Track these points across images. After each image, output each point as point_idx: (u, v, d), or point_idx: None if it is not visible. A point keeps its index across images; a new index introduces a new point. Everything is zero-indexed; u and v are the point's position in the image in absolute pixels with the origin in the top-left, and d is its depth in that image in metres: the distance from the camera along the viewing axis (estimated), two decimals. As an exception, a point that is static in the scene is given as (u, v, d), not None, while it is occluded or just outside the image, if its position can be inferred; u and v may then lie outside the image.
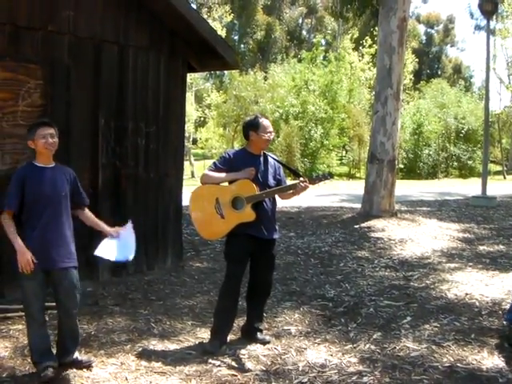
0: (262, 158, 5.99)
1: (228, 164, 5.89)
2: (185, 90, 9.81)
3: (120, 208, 8.60)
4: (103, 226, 5.55)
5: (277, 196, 6.04)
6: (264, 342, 6.07)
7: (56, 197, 5.03)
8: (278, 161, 6.22)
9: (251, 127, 5.91)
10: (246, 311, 6.30)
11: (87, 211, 5.51)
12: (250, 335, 6.17)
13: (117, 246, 5.49)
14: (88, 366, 5.26)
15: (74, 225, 5.29)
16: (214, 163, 5.99)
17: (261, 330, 6.23)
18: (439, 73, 73.87)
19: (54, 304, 5.24)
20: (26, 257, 4.84)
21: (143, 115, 8.92)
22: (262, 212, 5.81)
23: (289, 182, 6.21)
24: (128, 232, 5.64)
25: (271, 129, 5.97)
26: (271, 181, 5.95)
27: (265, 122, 5.92)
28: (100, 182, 8.35)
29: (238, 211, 5.75)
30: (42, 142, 4.98)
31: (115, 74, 8.56)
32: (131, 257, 5.60)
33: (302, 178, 5.86)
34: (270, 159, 6.07)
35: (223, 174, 5.85)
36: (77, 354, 5.30)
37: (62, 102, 7.90)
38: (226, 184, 5.93)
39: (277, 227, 6.14)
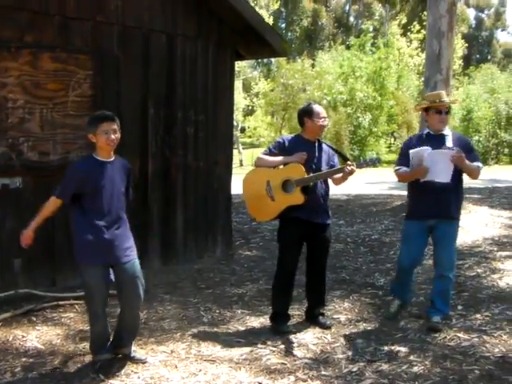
0: (316, 145, 6.07)
1: (282, 149, 6.01)
2: (233, 78, 9.80)
3: (170, 197, 8.67)
4: None
5: (330, 182, 6.10)
6: (325, 326, 6.15)
7: (116, 194, 5.00)
8: (333, 148, 6.29)
9: (305, 114, 6.01)
10: (306, 296, 6.44)
11: None
12: (312, 319, 6.28)
13: None
14: (141, 363, 5.25)
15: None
16: (268, 147, 6.16)
17: (323, 314, 6.34)
18: (489, 58, 72.59)
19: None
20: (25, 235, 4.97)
21: (192, 104, 8.94)
22: (313, 196, 5.89)
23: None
24: None
25: (325, 114, 6.06)
26: (324, 167, 6.00)
27: (318, 108, 6.03)
28: (150, 171, 8.42)
29: (287, 194, 5.86)
30: (104, 138, 4.87)
31: (164, 63, 8.60)
32: None
33: (349, 162, 5.88)
34: (324, 146, 6.15)
35: (276, 158, 5.97)
36: (132, 349, 5.32)
37: (112, 92, 7.97)
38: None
39: (330, 213, 6.22)
